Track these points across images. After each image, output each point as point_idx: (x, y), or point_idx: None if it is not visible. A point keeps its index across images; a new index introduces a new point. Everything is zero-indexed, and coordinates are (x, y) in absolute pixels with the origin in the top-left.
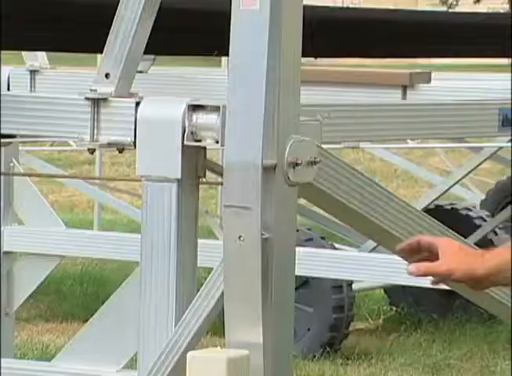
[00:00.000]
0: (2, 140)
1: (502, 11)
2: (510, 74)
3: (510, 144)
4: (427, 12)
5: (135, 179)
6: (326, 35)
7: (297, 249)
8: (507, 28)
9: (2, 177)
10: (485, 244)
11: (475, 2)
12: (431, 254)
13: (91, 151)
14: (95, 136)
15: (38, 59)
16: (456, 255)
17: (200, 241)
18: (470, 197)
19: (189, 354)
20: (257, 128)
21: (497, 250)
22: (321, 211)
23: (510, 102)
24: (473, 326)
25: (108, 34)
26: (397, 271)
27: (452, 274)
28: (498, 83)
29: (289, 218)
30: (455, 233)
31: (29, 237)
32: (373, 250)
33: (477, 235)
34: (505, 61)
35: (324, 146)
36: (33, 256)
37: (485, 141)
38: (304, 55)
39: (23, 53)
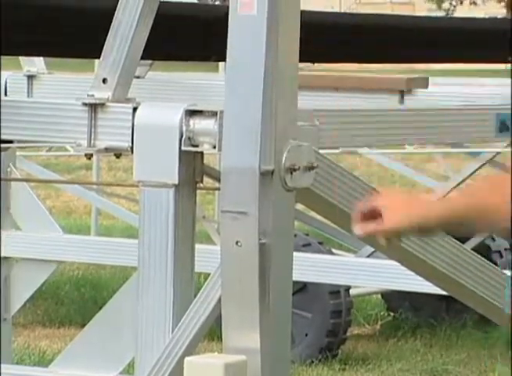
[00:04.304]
0: (2, 145)
1: (499, 16)
2: (506, 79)
3: (507, 150)
4: (425, 18)
5: (132, 185)
6: (324, 40)
7: (295, 254)
8: (505, 33)
9: (0, 182)
10: (483, 249)
11: (471, 3)
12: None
13: (89, 156)
14: (92, 141)
15: (36, 64)
16: (399, 209)
17: (197, 246)
18: None
19: (187, 359)
20: (255, 134)
21: (445, 197)
22: (318, 217)
23: (507, 107)
24: (470, 331)
25: (105, 39)
26: (394, 276)
27: (399, 230)
28: (495, 88)
29: (286, 223)
30: (452, 238)
31: (26, 243)
32: (370, 255)
33: (474, 241)
34: (502, 66)
35: (321, 151)
36: (30, 262)
37: (483, 146)
38: (301, 60)
39: (21, 58)
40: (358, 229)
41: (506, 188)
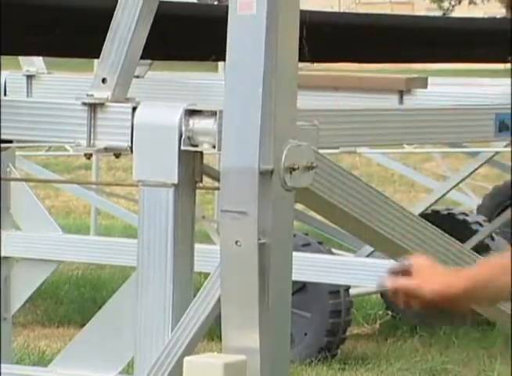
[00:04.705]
0: (2, 145)
1: (498, 16)
2: (506, 79)
3: (506, 149)
4: (424, 17)
5: (131, 184)
6: (323, 40)
7: (294, 254)
8: (504, 33)
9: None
10: (482, 249)
11: (470, 3)
12: None
13: (88, 156)
14: (91, 141)
15: (35, 64)
16: (429, 273)
17: (196, 246)
18: (467, 202)
19: (186, 359)
20: (254, 133)
21: (473, 268)
22: (318, 216)
23: (506, 107)
24: (469, 330)
25: (105, 39)
26: None
27: (425, 290)
28: (494, 88)
29: (286, 223)
30: (452, 238)
31: (26, 243)
32: (369, 255)
33: (474, 240)
34: (501, 66)
35: (321, 150)
36: (30, 261)
37: (482, 146)
38: (301, 60)
39: (20, 58)
40: (388, 282)
41: None
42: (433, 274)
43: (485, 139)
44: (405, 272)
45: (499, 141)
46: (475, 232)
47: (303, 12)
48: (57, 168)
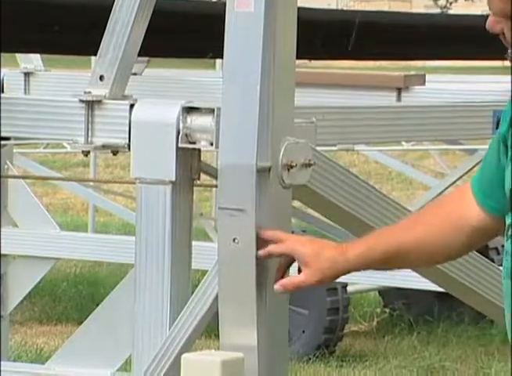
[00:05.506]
0: (2, 142)
1: None
2: (504, 76)
3: None
4: (422, 15)
5: (129, 182)
6: (321, 37)
7: None
8: None
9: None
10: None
11: (467, 0)
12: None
13: (86, 153)
14: (89, 138)
15: (33, 61)
16: (318, 262)
17: (194, 243)
18: None
19: (184, 356)
20: (252, 130)
21: (358, 244)
22: (316, 214)
23: (504, 104)
24: (467, 328)
25: (102, 36)
26: (391, 273)
27: (322, 282)
28: (492, 85)
29: (283, 220)
30: None
31: (23, 240)
32: None
33: None
34: (499, 63)
35: (319, 148)
36: (27, 259)
37: (480, 143)
38: (298, 57)
39: (18, 55)
40: (279, 287)
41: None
42: (322, 264)
43: (483, 136)
44: (288, 264)
45: None
46: None
47: (301, 10)
48: (55, 166)
